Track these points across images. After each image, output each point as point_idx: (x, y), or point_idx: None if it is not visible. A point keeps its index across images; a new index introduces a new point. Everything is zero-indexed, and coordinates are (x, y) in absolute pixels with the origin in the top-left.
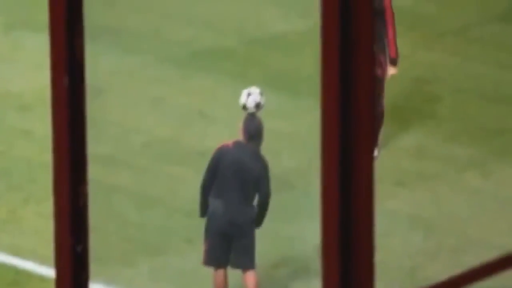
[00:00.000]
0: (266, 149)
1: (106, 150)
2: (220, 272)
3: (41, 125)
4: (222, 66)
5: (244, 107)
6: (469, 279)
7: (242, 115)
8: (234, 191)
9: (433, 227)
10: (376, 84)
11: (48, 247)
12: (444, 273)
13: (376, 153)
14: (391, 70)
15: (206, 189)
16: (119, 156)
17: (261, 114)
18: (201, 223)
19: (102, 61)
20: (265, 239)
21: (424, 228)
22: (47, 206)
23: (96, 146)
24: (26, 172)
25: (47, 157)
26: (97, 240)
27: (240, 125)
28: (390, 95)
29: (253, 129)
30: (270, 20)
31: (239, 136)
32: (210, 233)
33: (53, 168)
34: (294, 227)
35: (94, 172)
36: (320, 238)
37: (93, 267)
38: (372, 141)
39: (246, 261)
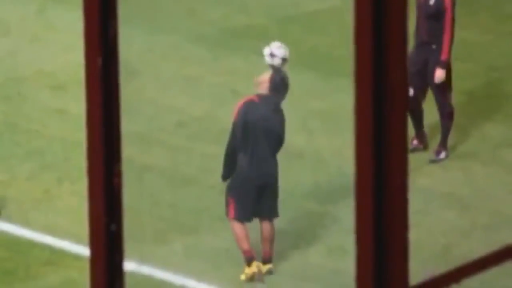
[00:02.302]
0: (300, 127)
1: (139, 129)
2: (245, 225)
3: (75, 104)
4: (254, 45)
5: (272, 66)
6: (503, 256)
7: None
8: (262, 145)
9: (467, 205)
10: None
11: (83, 226)
12: (478, 251)
13: (444, 155)
14: (438, 73)
15: (235, 148)
16: (153, 135)
17: (286, 68)
18: None
19: (135, 41)
20: (299, 218)
21: (458, 206)
22: (82, 185)
23: (129, 125)
24: (60, 151)
25: (81, 136)
26: (131, 219)
27: (263, 77)
28: None
29: (279, 81)
30: None
31: (261, 88)
32: (240, 188)
33: (87, 147)
34: (327, 205)
35: (127, 151)
36: (354, 216)
37: (127, 246)
38: (405, 118)
39: (273, 210)
